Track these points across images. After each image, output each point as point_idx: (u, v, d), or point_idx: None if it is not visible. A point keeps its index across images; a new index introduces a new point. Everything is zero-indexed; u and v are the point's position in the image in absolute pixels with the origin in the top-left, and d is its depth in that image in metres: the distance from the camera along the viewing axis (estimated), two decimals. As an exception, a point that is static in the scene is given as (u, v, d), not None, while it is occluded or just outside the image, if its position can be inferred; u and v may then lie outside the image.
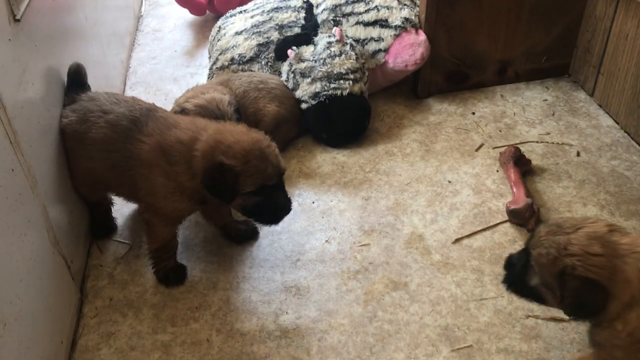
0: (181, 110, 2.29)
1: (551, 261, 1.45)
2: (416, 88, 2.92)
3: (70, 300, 1.98)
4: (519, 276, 1.59)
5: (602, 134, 2.66)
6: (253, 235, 2.26)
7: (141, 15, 3.89)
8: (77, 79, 2.15)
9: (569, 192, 2.39)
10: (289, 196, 1.97)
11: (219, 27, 3.01)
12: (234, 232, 2.24)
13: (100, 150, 2.00)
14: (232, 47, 2.82)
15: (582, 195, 2.37)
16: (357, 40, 2.77)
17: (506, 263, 1.68)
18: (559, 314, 1.82)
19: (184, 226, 2.29)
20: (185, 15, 3.77)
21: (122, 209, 2.39)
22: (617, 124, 2.70)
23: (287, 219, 2.30)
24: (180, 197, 1.94)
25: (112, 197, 2.32)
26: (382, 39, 2.74)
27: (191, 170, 1.87)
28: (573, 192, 2.39)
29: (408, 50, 2.71)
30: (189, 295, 2.08)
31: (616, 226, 1.49)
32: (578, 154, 2.56)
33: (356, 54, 2.69)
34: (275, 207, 1.94)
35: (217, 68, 2.82)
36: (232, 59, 2.79)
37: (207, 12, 3.73)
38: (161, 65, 3.37)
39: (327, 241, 2.25)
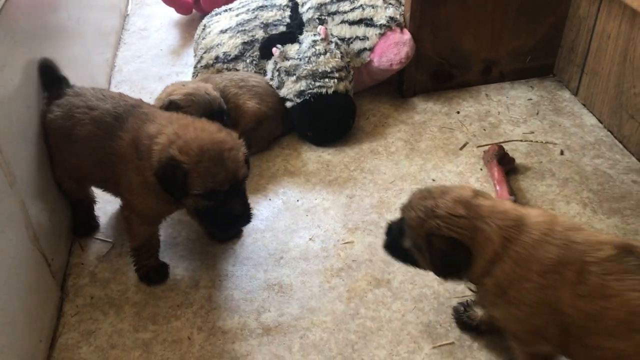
0: (168, 104, 2.28)
1: (419, 223, 1.55)
2: (401, 87, 2.92)
3: (50, 299, 1.96)
4: (394, 240, 1.67)
5: (585, 133, 2.68)
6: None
7: (127, 14, 3.87)
8: (50, 74, 2.11)
9: (552, 190, 2.40)
10: (249, 206, 1.87)
11: (204, 26, 3.00)
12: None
13: (86, 147, 1.98)
14: (217, 45, 2.81)
15: (565, 194, 2.38)
16: (342, 39, 2.76)
17: (386, 229, 1.74)
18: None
19: (167, 224, 2.28)
20: (171, 14, 3.76)
21: (104, 206, 2.37)
22: (601, 122, 2.72)
23: (271, 216, 2.33)
24: (147, 193, 1.88)
25: (95, 194, 2.30)
26: (367, 38, 2.74)
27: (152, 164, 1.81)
28: (556, 190, 2.40)
29: (393, 49, 2.71)
30: (170, 293, 2.06)
31: (481, 192, 1.59)
32: (562, 153, 2.58)
33: (341, 52, 2.69)
34: (227, 215, 1.82)
35: (201, 66, 2.81)
36: (217, 58, 2.78)
37: (194, 11, 3.72)
38: (147, 64, 3.36)
39: (310, 239, 2.24)
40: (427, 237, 1.54)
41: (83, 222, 2.28)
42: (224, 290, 2.06)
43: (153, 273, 2.10)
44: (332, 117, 2.64)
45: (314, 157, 2.62)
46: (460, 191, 1.56)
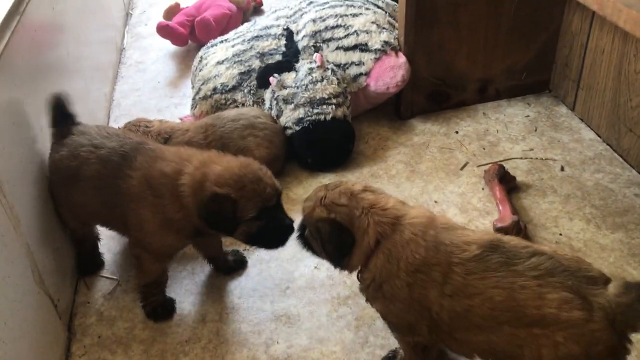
0: (167, 139, 2.30)
1: (310, 212, 1.68)
2: (399, 109, 2.94)
3: (57, 340, 1.95)
4: (300, 232, 1.78)
5: (585, 148, 2.69)
6: (241, 265, 2.25)
7: (124, 48, 3.90)
8: (60, 111, 2.09)
9: (555, 207, 2.40)
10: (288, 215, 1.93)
11: (201, 57, 3.02)
12: (222, 264, 2.22)
13: (92, 187, 1.97)
14: (214, 76, 2.84)
15: (568, 210, 2.38)
16: (338, 65, 2.79)
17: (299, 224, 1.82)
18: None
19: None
20: (167, 46, 3.79)
21: (108, 243, 2.37)
22: (599, 137, 2.73)
23: (275, 246, 2.32)
24: (167, 232, 1.90)
25: (99, 232, 2.30)
26: (363, 63, 2.77)
27: (179, 203, 1.83)
28: (559, 207, 2.40)
29: (389, 73, 2.73)
30: (178, 329, 2.05)
31: (373, 188, 1.69)
32: (562, 169, 2.58)
33: (338, 78, 2.71)
34: (280, 229, 1.87)
35: (200, 98, 2.83)
36: (215, 89, 2.80)
37: (189, 42, 3.76)
38: (145, 97, 3.38)
39: (316, 267, 2.24)
40: (316, 224, 1.66)
41: (88, 261, 2.28)
42: (232, 323, 2.05)
43: (161, 309, 2.09)
44: (331, 143, 2.66)
45: (315, 183, 2.63)
46: (350, 185, 1.68)
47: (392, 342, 1.94)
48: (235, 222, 1.79)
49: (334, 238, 1.64)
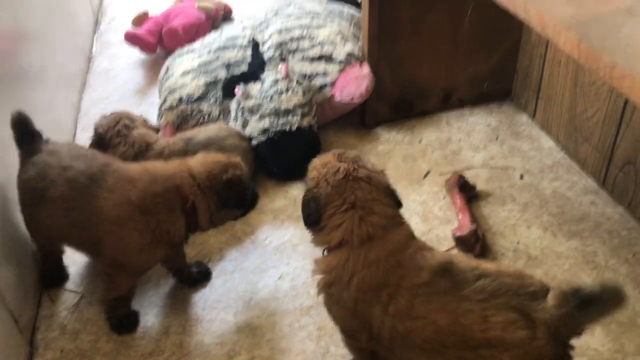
0: (139, 153, 2.34)
1: (310, 170, 1.74)
2: (364, 119, 2.99)
3: (18, 355, 1.96)
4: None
5: (543, 156, 2.76)
6: (206, 277, 2.26)
7: (92, 56, 3.89)
8: (24, 129, 2.07)
9: (514, 215, 2.46)
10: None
11: (167, 67, 3.03)
12: (186, 276, 2.24)
13: (60, 209, 1.96)
14: (180, 87, 2.85)
15: (526, 218, 2.44)
16: (303, 76, 2.82)
17: None
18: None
19: (136, 271, 2.29)
20: (136, 53, 3.79)
21: (73, 256, 2.36)
22: (558, 145, 2.80)
23: (240, 257, 2.35)
24: (157, 246, 1.94)
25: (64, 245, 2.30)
26: (328, 74, 2.81)
27: (176, 213, 1.93)
28: (517, 215, 2.46)
29: (353, 84, 2.78)
30: (141, 341, 2.07)
31: (376, 178, 1.65)
32: (521, 177, 2.65)
33: (303, 89, 2.75)
34: (254, 194, 2.18)
35: (165, 108, 2.84)
36: (181, 99, 2.82)
37: (158, 50, 3.76)
38: (113, 105, 3.36)
39: (280, 278, 2.27)
40: (306, 182, 1.73)
41: (52, 274, 2.28)
42: (195, 335, 2.07)
43: (126, 321, 2.11)
44: (297, 153, 2.68)
45: (281, 193, 2.66)
46: (356, 166, 1.65)
47: (352, 352, 1.98)
48: (246, 196, 2.07)
49: (305, 207, 1.68)
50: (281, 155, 2.67)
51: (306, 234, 2.39)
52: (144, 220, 1.90)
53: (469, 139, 2.89)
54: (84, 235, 1.99)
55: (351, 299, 1.59)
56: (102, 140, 2.44)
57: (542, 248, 2.31)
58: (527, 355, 1.42)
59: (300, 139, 2.68)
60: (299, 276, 2.27)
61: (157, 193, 1.92)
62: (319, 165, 1.69)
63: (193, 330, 2.09)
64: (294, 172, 2.72)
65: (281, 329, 2.08)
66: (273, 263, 2.33)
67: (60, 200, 1.95)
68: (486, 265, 1.56)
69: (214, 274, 2.29)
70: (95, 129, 2.47)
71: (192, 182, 1.95)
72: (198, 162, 2.02)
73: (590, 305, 1.41)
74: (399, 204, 1.69)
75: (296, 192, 2.65)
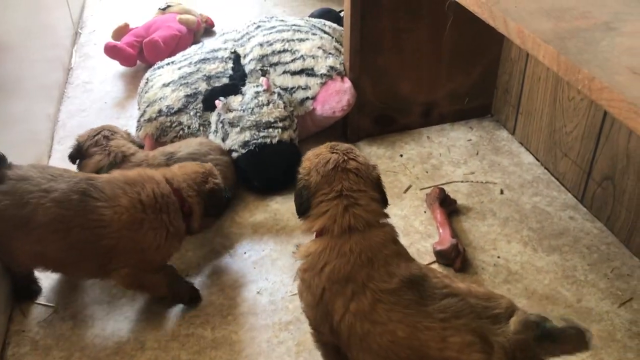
0: (118, 163, 2.31)
1: (306, 159, 1.75)
2: (346, 132, 2.98)
3: (-13, 372, 1.89)
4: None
5: (523, 171, 2.77)
6: (195, 299, 2.21)
7: (71, 68, 3.84)
8: None
9: (494, 229, 2.46)
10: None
11: (147, 79, 3.01)
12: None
13: (54, 232, 1.90)
14: (160, 99, 2.82)
15: (506, 233, 2.44)
16: (285, 89, 2.81)
17: None
18: None
19: (110, 285, 2.24)
20: (116, 66, 3.75)
21: (46, 270, 2.31)
22: (538, 160, 2.82)
23: (219, 271, 2.32)
24: (172, 240, 2.04)
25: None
26: (309, 87, 2.80)
27: (179, 213, 2.05)
28: (497, 229, 2.46)
29: (335, 98, 2.77)
30: (116, 357, 2.01)
31: (365, 170, 1.67)
32: (502, 192, 2.66)
33: (284, 102, 2.73)
34: (227, 197, 2.32)
35: (144, 120, 2.80)
36: (160, 111, 2.79)
37: (138, 62, 3.73)
38: (91, 118, 3.33)
39: (258, 292, 2.23)
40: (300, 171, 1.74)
41: (24, 287, 2.21)
42: (171, 351, 2.02)
43: (193, 292, 2.20)
44: (278, 166, 2.67)
45: (261, 206, 2.63)
46: (346, 157, 1.66)
47: (332, 368, 1.95)
48: (224, 203, 2.25)
49: (297, 197, 1.70)
50: (262, 169, 2.65)
51: (286, 248, 2.40)
52: (158, 218, 1.97)
53: (450, 154, 2.90)
54: (88, 252, 1.94)
55: (320, 287, 1.59)
56: (80, 150, 2.42)
57: (522, 263, 2.31)
58: None
59: (281, 152, 2.67)
60: (277, 291, 2.23)
61: (165, 194, 2.01)
62: (311, 156, 1.71)
63: (169, 345, 2.04)
64: (275, 185, 2.70)
65: (259, 344, 2.04)
66: (252, 277, 2.29)
67: (53, 223, 1.89)
68: (458, 284, 1.55)
69: (192, 288, 2.24)
70: (76, 140, 2.45)
71: (189, 186, 2.08)
72: (180, 171, 2.14)
73: (550, 340, 1.39)
74: (384, 201, 1.71)
75: (276, 205, 2.63)
